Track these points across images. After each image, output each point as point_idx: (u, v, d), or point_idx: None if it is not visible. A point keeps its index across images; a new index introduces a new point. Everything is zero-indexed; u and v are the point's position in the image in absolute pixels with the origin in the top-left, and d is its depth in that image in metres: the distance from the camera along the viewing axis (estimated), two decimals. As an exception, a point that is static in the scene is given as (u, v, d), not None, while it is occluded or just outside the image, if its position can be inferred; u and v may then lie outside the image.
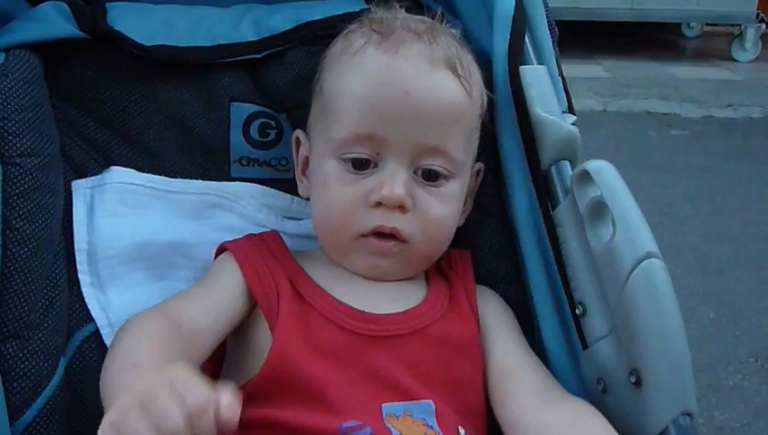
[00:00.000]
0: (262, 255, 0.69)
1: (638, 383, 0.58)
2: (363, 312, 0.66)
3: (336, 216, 0.67)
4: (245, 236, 0.73)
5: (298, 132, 0.75)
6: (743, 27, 4.34)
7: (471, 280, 0.73)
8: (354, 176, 0.66)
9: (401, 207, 0.65)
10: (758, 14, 4.26)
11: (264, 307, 0.64)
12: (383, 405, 0.60)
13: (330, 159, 0.68)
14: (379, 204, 0.65)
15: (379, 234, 0.66)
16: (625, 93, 3.86)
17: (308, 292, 0.67)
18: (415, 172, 0.67)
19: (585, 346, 0.65)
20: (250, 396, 0.57)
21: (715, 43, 4.86)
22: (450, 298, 0.71)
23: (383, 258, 0.67)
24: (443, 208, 0.68)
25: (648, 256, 0.59)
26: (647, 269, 0.58)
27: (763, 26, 4.32)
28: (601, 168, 0.64)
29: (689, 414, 0.57)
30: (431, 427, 0.61)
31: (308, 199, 0.75)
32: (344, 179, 0.67)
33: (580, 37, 4.66)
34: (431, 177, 0.67)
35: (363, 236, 0.66)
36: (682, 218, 2.57)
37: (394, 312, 0.67)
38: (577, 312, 0.66)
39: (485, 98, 0.72)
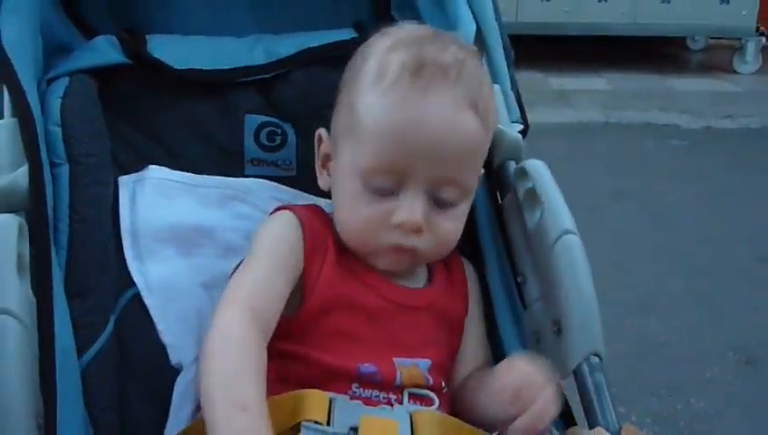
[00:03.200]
0: (318, 219, 0.82)
1: (558, 331, 0.74)
2: (396, 284, 0.80)
3: (358, 230, 0.78)
4: (302, 204, 0.85)
5: (321, 131, 0.86)
6: (743, 41, 4.45)
7: (461, 264, 0.87)
8: (376, 198, 0.76)
9: (418, 230, 0.76)
10: (758, 28, 4.37)
11: (307, 272, 0.77)
12: (395, 359, 0.76)
13: (355, 179, 0.77)
14: (398, 226, 0.75)
15: (399, 250, 0.77)
16: (626, 105, 3.98)
17: (349, 262, 0.80)
18: (431, 198, 0.76)
19: (525, 307, 0.82)
20: (286, 332, 0.72)
21: (718, 55, 4.95)
22: (451, 283, 0.85)
23: (400, 262, 0.79)
24: (453, 226, 0.78)
25: (567, 232, 0.75)
26: (565, 241, 0.75)
27: (764, 39, 4.43)
28: (535, 165, 0.81)
29: (598, 355, 0.73)
30: (427, 378, 0.77)
31: (326, 191, 0.84)
32: (367, 200, 0.76)
33: (583, 51, 4.80)
34: (443, 205, 0.77)
35: (384, 248, 0.77)
36: (674, 224, 2.70)
37: (414, 287, 0.82)
38: (519, 280, 0.83)
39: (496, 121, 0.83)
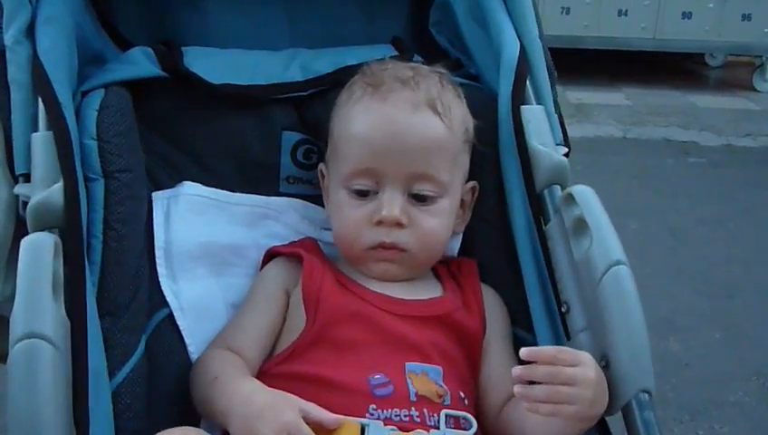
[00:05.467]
0: (313, 253, 0.86)
1: (607, 366, 0.72)
2: (393, 297, 0.82)
3: (347, 233, 0.84)
4: (290, 242, 0.89)
5: (321, 166, 0.91)
6: (764, 58, 4.41)
7: (478, 285, 0.88)
8: (359, 202, 0.83)
9: (399, 225, 0.81)
10: (779, 46, 4.33)
11: (306, 295, 0.80)
12: (407, 363, 0.76)
13: (340, 188, 0.84)
14: (380, 222, 0.81)
15: (383, 246, 0.82)
16: (645, 121, 3.95)
17: (346, 282, 0.83)
18: (409, 195, 0.82)
19: (569, 338, 0.79)
20: (293, 355, 0.73)
21: (737, 72, 4.92)
22: (463, 300, 0.86)
23: (390, 264, 0.83)
24: (433, 222, 0.83)
25: (617, 262, 0.73)
26: (616, 273, 0.72)
27: (785, 58, 4.39)
28: (583, 191, 0.78)
29: (647, 392, 0.70)
30: (441, 386, 0.76)
31: None
32: (352, 205, 0.83)
33: (603, 65, 4.77)
34: (421, 199, 0.82)
35: (371, 248, 0.82)
36: (694, 243, 2.66)
37: (418, 298, 0.83)
38: (563, 309, 0.80)
39: (470, 125, 0.87)
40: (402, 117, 0.81)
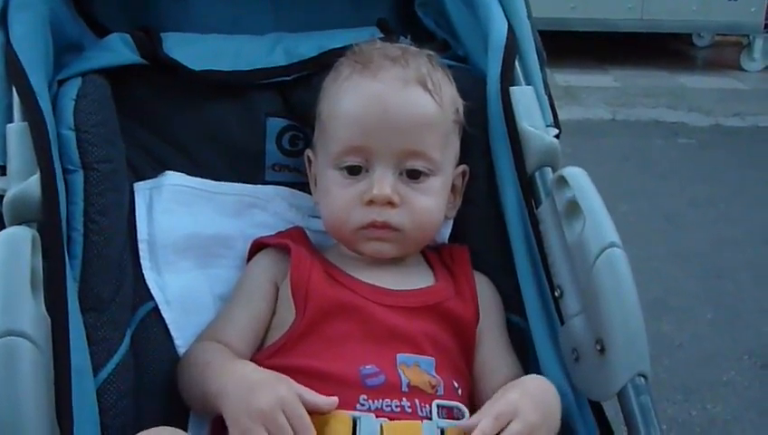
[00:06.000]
0: (301, 244, 0.84)
1: (602, 350, 0.70)
2: (383, 288, 0.80)
3: (338, 214, 0.82)
4: (277, 232, 0.87)
5: (308, 151, 0.89)
6: (751, 37, 4.42)
7: (471, 273, 0.86)
8: (350, 181, 0.81)
9: (390, 203, 0.79)
10: (766, 25, 4.33)
11: (295, 287, 0.79)
12: (398, 355, 0.75)
13: (329, 169, 0.82)
14: (371, 202, 0.79)
15: (375, 226, 0.80)
16: (634, 103, 3.95)
17: (335, 273, 0.81)
18: (401, 173, 0.80)
19: (562, 322, 0.78)
20: (284, 348, 0.71)
21: (725, 52, 4.92)
22: (456, 288, 0.84)
23: (383, 243, 0.81)
24: (426, 200, 0.81)
25: (611, 245, 0.71)
26: (609, 255, 0.71)
27: (772, 37, 4.39)
28: (575, 173, 0.77)
29: (644, 375, 0.69)
30: (433, 377, 0.75)
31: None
32: (342, 184, 0.81)
33: (590, 47, 4.76)
34: (414, 175, 0.81)
35: (362, 228, 0.80)
36: (686, 225, 2.66)
37: (409, 288, 0.81)
38: (556, 294, 0.78)
39: (460, 106, 0.85)
40: (392, 93, 0.80)
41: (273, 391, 0.67)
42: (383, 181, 0.79)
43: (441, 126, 0.82)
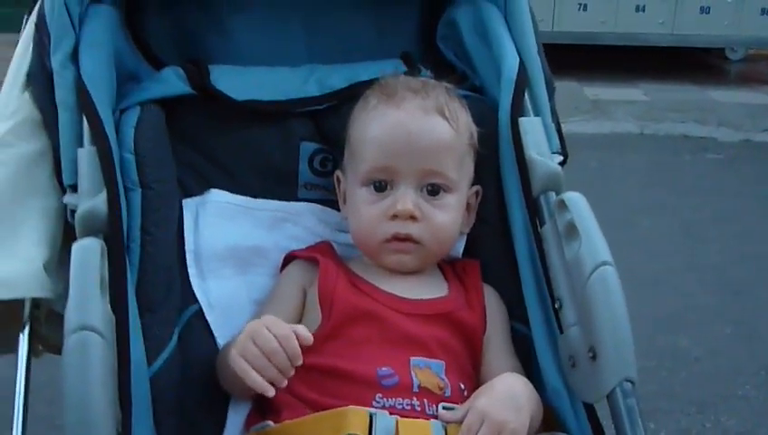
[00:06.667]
0: (328, 256, 0.94)
1: (594, 357, 0.79)
2: (401, 297, 0.90)
3: (366, 227, 0.92)
4: (308, 247, 0.98)
5: (338, 172, 0.99)
6: (784, 52, 4.40)
7: (480, 285, 0.96)
8: (376, 197, 0.91)
9: (412, 217, 0.89)
10: (799, 40, 4.31)
11: (322, 295, 0.89)
12: (411, 358, 0.84)
13: (358, 187, 0.92)
14: (395, 216, 0.89)
15: (398, 238, 0.90)
16: (663, 117, 3.95)
17: (358, 283, 0.91)
18: (421, 190, 0.90)
19: (561, 331, 0.86)
20: (310, 349, 0.81)
21: (758, 66, 4.89)
22: (466, 298, 0.94)
23: (405, 255, 0.91)
24: (444, 215, 0.91)
25: (604, 263, 0.80)
26: (602, 273, 0.80)
27: (806, 51, 4.36)
28: (574, 198, 0.86)
29: (631, 381, 0.77)
30: (442, 379, 0.84)
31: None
32: (369, 201, 0.91)
33: (619, 60, 4.78)
34: (433, 192, 0.91)
35: (387, 241, 0.90)
36: (707, 239, 2.68)
37: (424, 298, 0.91)
38: (556, 305, 0.87)
39: (474, 132, 0.95)
40: (414, 121, 0.90)
41: (260, 319, 0.79)
42: (406, 198, 0.89)
43: (457, 149, 0.92)
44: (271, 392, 0.76)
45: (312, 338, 0.77)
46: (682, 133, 3.78)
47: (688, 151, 3.56)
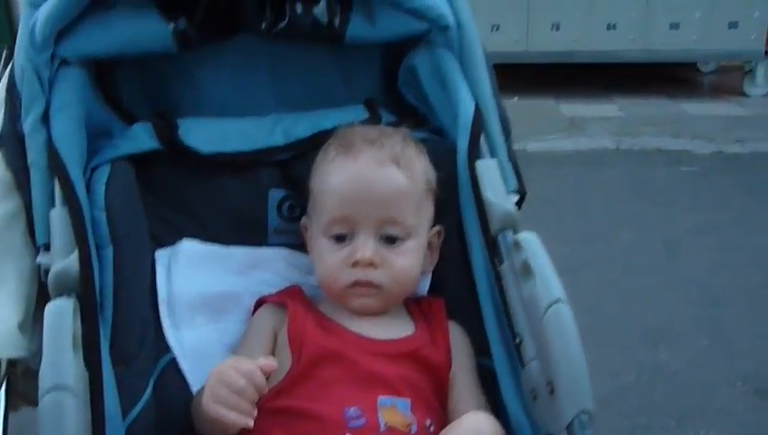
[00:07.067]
0: (297, 301, 0.98)
1: (552, 391, 0.82)
2: (368, 337, 0.94)
3: (329, 275, 0.96)
4: (277, 291, 1.01)
5: (304, 219, 1.03)
6: (753, 64, 4.50)
7: (445, 323, 0.99)
8: (338, 246, 0.95)
9: (371, 265, 0.93)
10: (766, 51, 4.42)
11: (291, 338, 0.92)
12: (378, 398, 0.88)
13: (321, 237, 0.97)
14: (356, 264, 0.94)
15: (359, 284, 0.94)
16: (638, 132, 4.01)
17: (326, 324, 0.95)
18: (380, 238, 0.94)
19: (523, 365, 0.90)
20: (281, 392, 0.85)
21: (729, 78, 4.97)
22: (431, 336, 0.97)
23: (367, 298, 0.95)
24: (403, 260, 0.95)
25: (557, 301, 0.84)
26: (556, 310, 0.83)
27: (774, 62, 4.47)
28: (528, 238, 0.90)
29: (587, 413, 0.81)
30: (408, 417, 0.88)
31: None
32: (331, 250, 0.95)
33: (594, 77, 4.86)
34: (392, 238, 0.95)
35: (350, 286, 0.94)
36: (685, 252, 2.72)
37: (390, 338, 0.95)
38: (516, 341, 0.91)
39: (432, 176, 1.00)
40: (370, 172, 0.94)
41: (224, 362, 0.84)
42: (366, 246, 0.93)
43: (413, 196, 0.96)
44: (251, 421, 0.81)
45: (275, 361, 0.82)
46: (657, 147, 3.84)
47: (663, 165, 3.62)
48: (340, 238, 0.95)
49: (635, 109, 4.41)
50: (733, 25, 4.32)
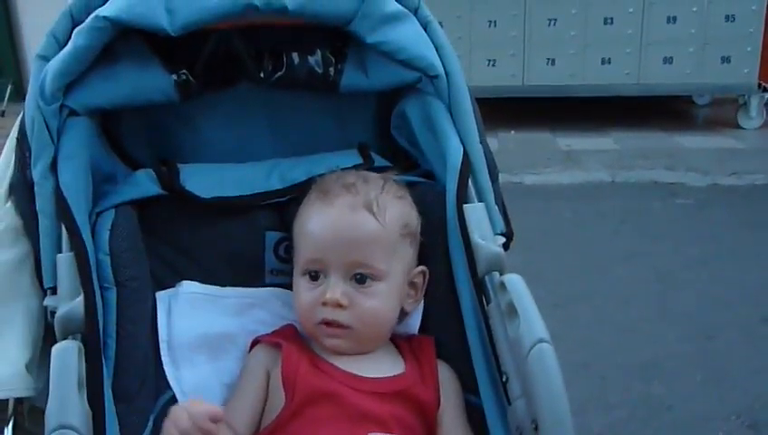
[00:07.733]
0: (291, 340, 1.02)
1: (536, 429, 0.86)
2: (359, 376, 0.97)
3: (303, 312, 1.00)
4: (273, 331, 1.05)
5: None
6: (747, 97, 4.57)
7: (434, 361, 1.03)
8: (312, 285, 0.99)
9: (340, 305, 0.97)
10: (760, 84, 4.49)
11: (285, 378, 0.96)
12: (369, 434, 0.91)
13: (299, 276, 1.01)
14: (325, 303, 0.97)
15: (327, 323, 0.98)
16: (633, 164, 4.05)
17: (319, 363, 0.98)
18: (350, 279, 0.98)
19: (510, 403, 0.93)
20: (275, 431, 0.88)
21: (724, 111, 5.04)
22: (420, 375, 1.01)
23: (337, 338, 0.99)
24: (372, 301, 0.98)
25: (541, 340, 0.87)
26: (539, 349, 0.87)
27: (767, 95, 4.55)
28: (513, 280, 0.94)
29: (569, 452, 0.84)
30: None
31: None
32: (306, 288, 1.00)
33: (591, 112, 4.94)
34: (361, 280, 0.98)
35: (320, 324, 0.99)
36: (680, 285, 2.72)
37: (381, 376, 0.98)
38: (503, 379, 0.94)
39: (411, 221, 1.04)
40: (342, 217, 0.98)
41: (181, 404, 0.87)
42: (335, 288, 0.97)
43: (384, 241, 0.99)
44: None
45: (222, 413, 0.85)
46: (652, 180, 3.87)
47: (658, 198, 3.64)
48: (314, 276, 0.99)
49: (630, 142, 4.46)
50: (725, 60, 4.40)
